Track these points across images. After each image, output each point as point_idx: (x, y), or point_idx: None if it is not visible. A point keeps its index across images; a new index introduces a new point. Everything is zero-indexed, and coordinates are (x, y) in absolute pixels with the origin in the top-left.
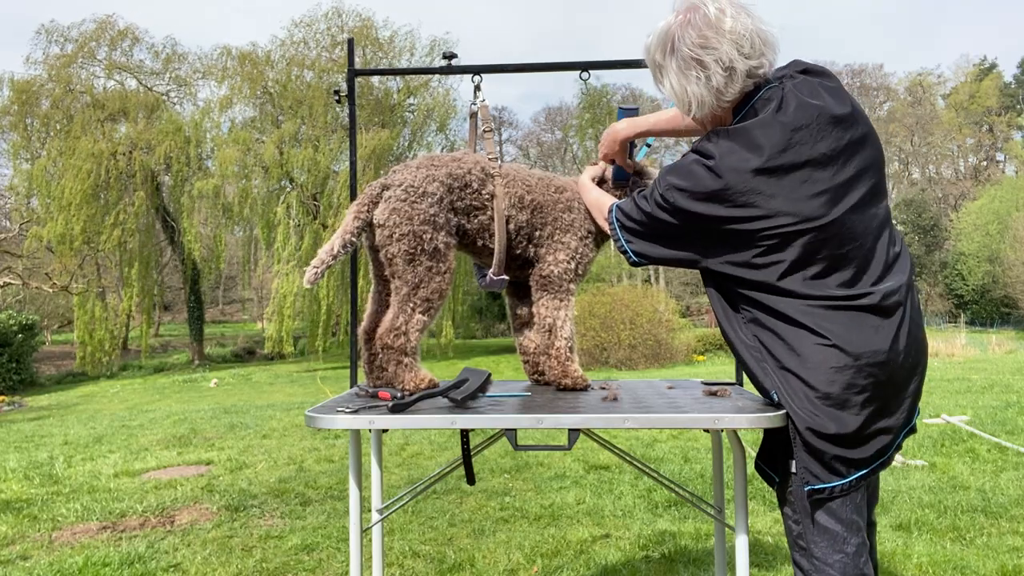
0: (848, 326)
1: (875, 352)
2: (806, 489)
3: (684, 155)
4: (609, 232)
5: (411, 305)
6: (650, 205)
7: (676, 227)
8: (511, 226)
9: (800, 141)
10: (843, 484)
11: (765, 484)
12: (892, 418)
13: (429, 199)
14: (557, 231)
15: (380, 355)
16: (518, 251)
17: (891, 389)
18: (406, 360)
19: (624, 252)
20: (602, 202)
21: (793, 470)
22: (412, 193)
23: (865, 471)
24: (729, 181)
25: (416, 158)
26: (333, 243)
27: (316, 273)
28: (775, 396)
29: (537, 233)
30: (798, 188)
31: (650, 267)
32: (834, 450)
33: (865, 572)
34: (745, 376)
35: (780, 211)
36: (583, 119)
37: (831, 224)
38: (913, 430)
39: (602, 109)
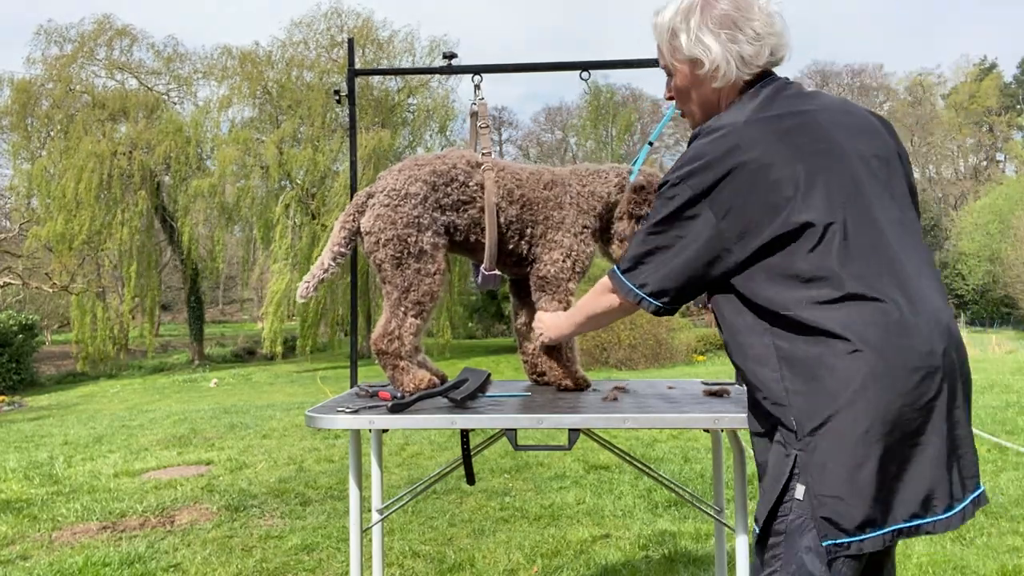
0: None
1: None
2: None
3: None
4: (622, 298)
5: (403, 309)
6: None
7: None
8: (501, 219)
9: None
10: None
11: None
12: None
13: (412, 200)
14: (549, 230)
15: (377, 361)
16: (510, 246)
17: None
18: (402, 364)
19: (644, 301)
20: (585, 302)
21: None
22: (395, 197)
23: None
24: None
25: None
26: (323, 258)
27: (308, 288)
28: None
29: (529, 231)
30: None
31: None
32: None
33: None
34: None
35: None
36: (587, 120)
37: None
38: None
39: (606, 108)
